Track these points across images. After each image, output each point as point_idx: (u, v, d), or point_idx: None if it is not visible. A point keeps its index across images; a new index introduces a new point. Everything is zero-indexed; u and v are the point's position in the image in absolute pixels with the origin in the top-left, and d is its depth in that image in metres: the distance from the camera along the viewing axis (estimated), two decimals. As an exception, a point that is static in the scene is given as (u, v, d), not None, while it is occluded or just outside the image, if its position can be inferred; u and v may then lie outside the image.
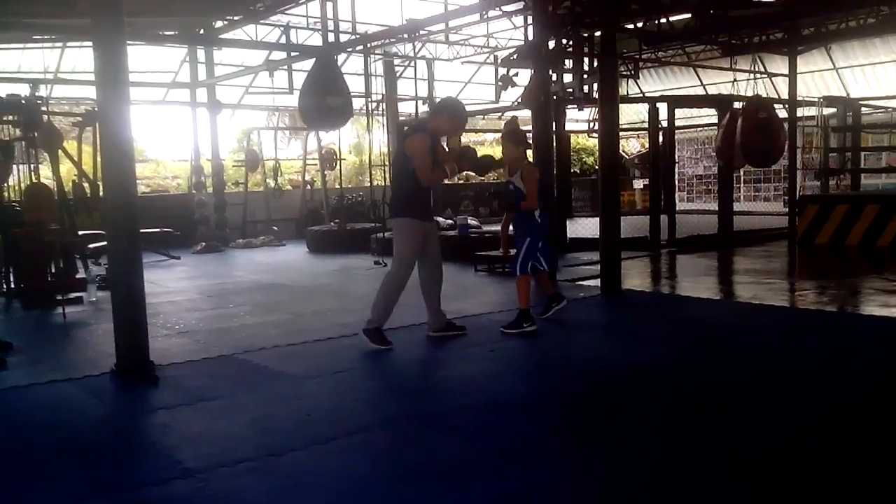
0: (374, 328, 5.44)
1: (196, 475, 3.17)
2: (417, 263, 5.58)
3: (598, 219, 7.86)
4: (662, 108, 12.02)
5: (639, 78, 17.42)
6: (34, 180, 8.84)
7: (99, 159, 6.51)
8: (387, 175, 15.04)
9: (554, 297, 6.36)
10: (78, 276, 8.24)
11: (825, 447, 3.34)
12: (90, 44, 5.86)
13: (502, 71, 13.08)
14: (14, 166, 8.91)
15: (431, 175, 5.45)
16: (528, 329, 5.75)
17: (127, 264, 4.85)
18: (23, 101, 8.82)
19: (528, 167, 5.98)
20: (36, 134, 8.89)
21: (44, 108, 9.59)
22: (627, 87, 19.09)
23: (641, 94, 18.62)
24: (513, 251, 6.16)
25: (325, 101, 10.09)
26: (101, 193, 7.10)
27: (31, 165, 8.97)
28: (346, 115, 10.72)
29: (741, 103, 11.30)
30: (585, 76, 10.84)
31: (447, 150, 5.58)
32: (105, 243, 6.32)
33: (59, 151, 9.45)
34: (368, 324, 5.46)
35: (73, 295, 7.68)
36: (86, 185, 9.67)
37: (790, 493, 2.89)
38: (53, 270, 8.00)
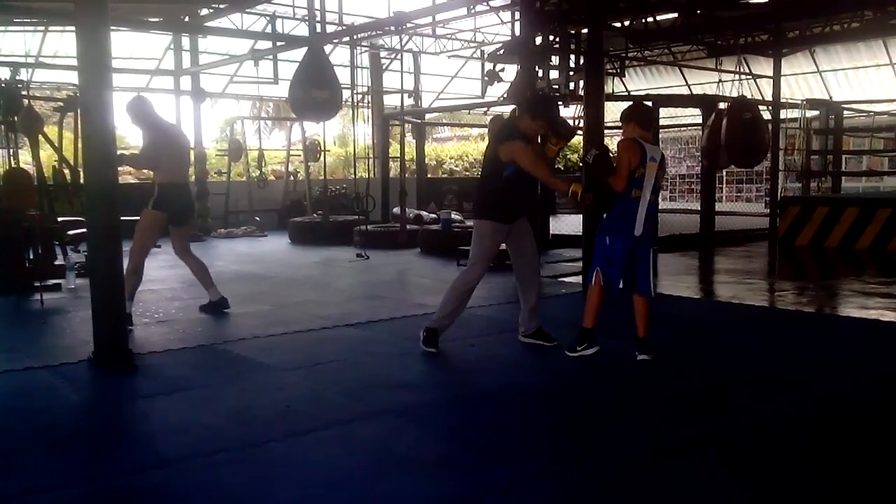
0: (432, 329, 5.15)
1: (173, 465, 3.15)
2: (512, 262, 5.30)
3: (580, 216, 7.88)
4: (647, 106, 12.04)
5: (624, 76, 17.48)
6: (13, 165, 8.74)
7: (80, 145, 6.45)
8: (371, 168, 15.02)
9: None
10: (56, 262, 8.15)
11: (803, 447, 3.37)
12: (73, 28, 5.78)
13: (489, 66, 13.05)
14: None
15: (541, 168, 4.99)
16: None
17: (107, 252, 4.80)
18: (3, 85, 8.71)
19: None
20: (16, 118, 8.79)
21: (24, 93, 9.49)
22: (613, 85, 19.09)
23: (627, 93, 18.70)
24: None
25: (311, 95, 10.05)
26: (81, 180, 7.03)
27: (11, 150, 8.88)
28: (335, 107, 10.68)
29: (726, 103, 11.33)
30: (571, 73, 10.83)
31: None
32: (84, 230, 6.25)
33: (40, 136, 9.35)
34: (430, 322, 5.21)
35: (51, 282, 7.59)
36: (66, 171, 9.58)
37: (769, 491, 2.91)
38: (32, 257, 7.90)
